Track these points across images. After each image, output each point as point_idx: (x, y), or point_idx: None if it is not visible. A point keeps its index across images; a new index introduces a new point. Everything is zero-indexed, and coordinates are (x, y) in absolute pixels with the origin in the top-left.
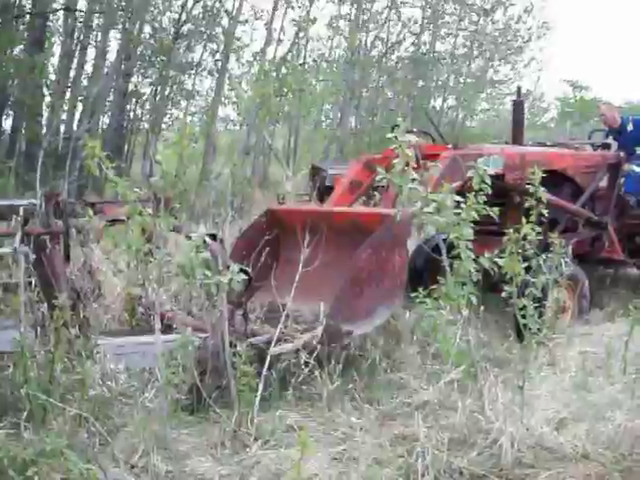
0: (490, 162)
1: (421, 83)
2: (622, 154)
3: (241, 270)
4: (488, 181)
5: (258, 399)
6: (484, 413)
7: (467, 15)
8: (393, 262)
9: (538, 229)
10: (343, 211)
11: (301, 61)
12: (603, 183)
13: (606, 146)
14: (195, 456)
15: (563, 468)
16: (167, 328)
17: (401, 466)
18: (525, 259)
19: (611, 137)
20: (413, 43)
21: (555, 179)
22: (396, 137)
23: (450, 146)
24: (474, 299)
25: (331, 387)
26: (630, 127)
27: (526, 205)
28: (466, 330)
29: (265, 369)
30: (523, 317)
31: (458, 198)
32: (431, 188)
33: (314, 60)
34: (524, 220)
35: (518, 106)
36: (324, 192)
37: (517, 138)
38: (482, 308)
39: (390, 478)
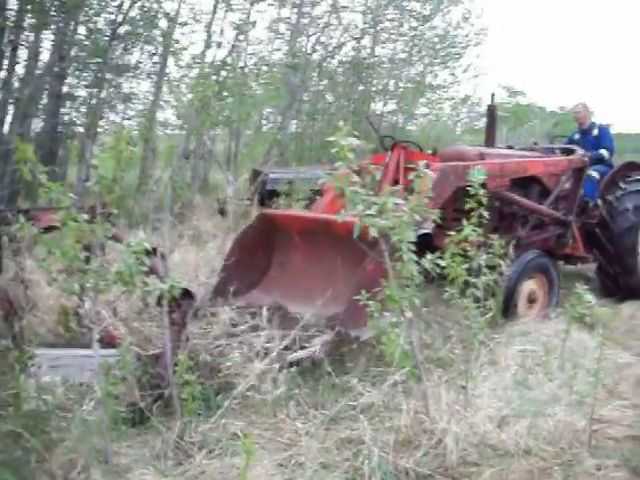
0: (475, 173)
1: (361, 87)
2: (586, 159)
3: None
4: (430, 184)
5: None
6: (428, 414)
7: (406, 21)
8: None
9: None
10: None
11: (241, 64)
12: (567, 185)
13: (570, 151)
14: (137, 469)
15: (506, 464)
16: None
17: (347, 469)
18: (467, 260)
19: (578, 136)
20: (354, 47)
21: (525, 181)
22: (338, 140)
23: (430, 152)
24: (417, 301)
25: (276, 393)
26: (595, 132)
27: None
28: (409, 332)
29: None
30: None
31: (399, 200)
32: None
33: (255, 64)
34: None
35: (491, 111)
36: (265, 196)
37: (490, 140)
38: (424, 310)
39: None
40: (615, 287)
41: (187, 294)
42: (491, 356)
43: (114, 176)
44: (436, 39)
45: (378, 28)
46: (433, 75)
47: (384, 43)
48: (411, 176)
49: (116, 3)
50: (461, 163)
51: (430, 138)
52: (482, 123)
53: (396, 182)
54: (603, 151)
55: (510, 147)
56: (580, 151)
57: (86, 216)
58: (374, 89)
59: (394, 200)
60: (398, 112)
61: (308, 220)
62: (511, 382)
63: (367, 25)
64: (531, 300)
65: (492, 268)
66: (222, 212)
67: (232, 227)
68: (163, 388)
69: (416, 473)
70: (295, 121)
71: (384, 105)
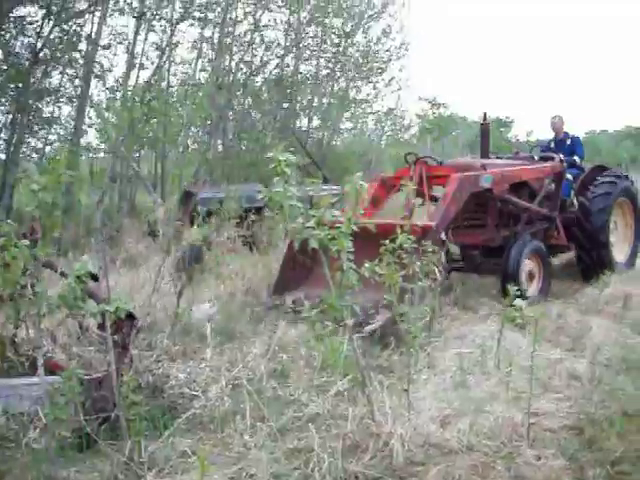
0: (484, 180)
1: (286, 104)
2: (565, 164)
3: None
4: (367, 195)
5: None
6: (374, 418)
7: (328, 37)
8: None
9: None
10: (383, 223)
11: (165, 84)
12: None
13: (549, 158)
14: None
15: (451, 461)
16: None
17: (299, 477)
18: (402, 267)
19: (553, 144)
20: (277, 65)
21: (518, 185)
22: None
23: (437, 163)
24: (357, 308)
25: (222, 409)
26: (568, 141)
27: None
28: (352, 340)
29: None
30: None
31: (336, 212)
32: (445, 203)
33: (181, 85)
34: None
35: (484, 128)
36: (196, 216)
37: (484, 154)
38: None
39: None
40: (593, 273)
41: (129, 316)
42: (429, 360)
43: (54, 200)
44: (358, 54)
45: (301, 45)
46: (356, 90)
47: (307, 60)
48: None
49: (34, 26)
50: (472, 173)
51: (355, 153)
52: (407, 135)
53: (420, 193)
54: (576, 157)
55: (499, 157)
56: (557, 157)
57: (27, 241)
58: (299, 106)
59: (331, 212)
60: (323, 128)
61: None
62: (450, 383)
63: (289, 43)
64: (530, 277)
65: (426, 275)
66: (153, 234)
67: (164, 248)
68: (109, 411)
69: (365, 476)
70: (220, 140)
71: (309, 121)
